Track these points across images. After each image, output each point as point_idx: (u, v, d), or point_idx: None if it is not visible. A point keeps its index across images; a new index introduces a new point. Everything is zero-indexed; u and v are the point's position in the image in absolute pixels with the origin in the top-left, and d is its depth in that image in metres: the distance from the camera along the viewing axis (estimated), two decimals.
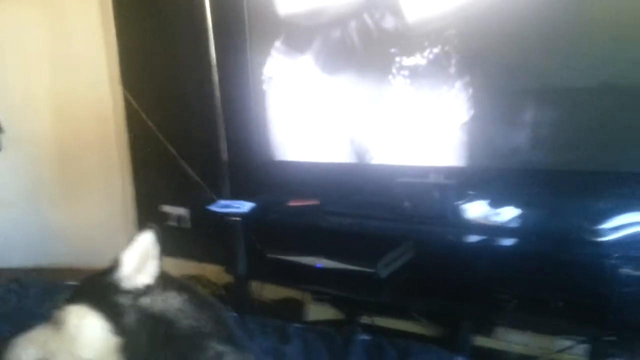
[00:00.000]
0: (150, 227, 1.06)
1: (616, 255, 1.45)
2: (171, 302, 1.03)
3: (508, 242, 1.61)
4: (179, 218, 3.00)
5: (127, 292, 1.01)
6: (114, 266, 1.03)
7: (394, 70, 1.86)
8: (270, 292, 2.54)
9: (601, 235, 1.45)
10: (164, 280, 1.05)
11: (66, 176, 3.18)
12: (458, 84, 1.76)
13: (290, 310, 2.45)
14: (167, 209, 3.03)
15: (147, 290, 1.02)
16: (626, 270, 1.62)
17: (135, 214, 3.19)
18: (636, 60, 1.52)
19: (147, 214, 3.15)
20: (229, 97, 2.53)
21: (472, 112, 1.76)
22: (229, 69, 2.48)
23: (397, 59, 1.85)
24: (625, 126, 1.54)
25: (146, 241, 1.05)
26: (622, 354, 1.82)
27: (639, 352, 1.75)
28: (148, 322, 1.00)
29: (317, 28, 1.99)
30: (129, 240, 2.88)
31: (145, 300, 1.02)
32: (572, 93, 1.59)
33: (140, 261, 1.03)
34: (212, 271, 2.86)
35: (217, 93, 2.55)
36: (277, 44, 2.12)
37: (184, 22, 2.70)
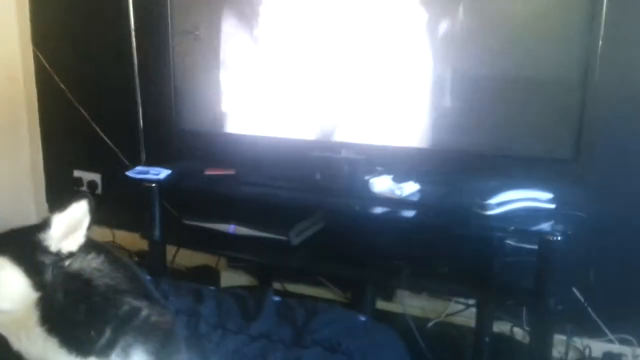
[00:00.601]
0: (85, 197, 1.06)
1: (500, 227, 1.64)
2: (89, 263, 1.06)
3: (408, 214, 1.76)
4: (91, 184, 2.96)
5: (50, 253, 1.03)
6: (42, 225, 1.03)
7: (313, 43, 1.94)
8: (185, 259, 2.59)
9: (488, 210, 1.62)
10: (84, 243, 1.07)
11: None
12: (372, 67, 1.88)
13: (205, 277, 2.52)
14: (79, 174, 2.98)
15: (69, 256, 1.04)
16: (508, 241, 1.84)
17: (44, 179, 3.11)
18: (530, 54, 1.70)
19: (57, 179, 3.08)
20: (146, 62, 2.51)
21: (383, 94, 1.88)
22: (148, 32, 2.45)
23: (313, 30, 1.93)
24: (513, 115, 1.72)
25: (79, 209, 1.04)
26: (505, 316, 2.06)
27: (520, 315, 1.99)
28: (66, 280, 1.03)
29: None
30: (37, 206, 2.83)
31: (65, 262, 1.04)
32: (471, 81, 1.75)
33: (68, 228, 1.04)
34: (124, 238, 2.85)
35: (135, 57, 2.53)
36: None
37: None
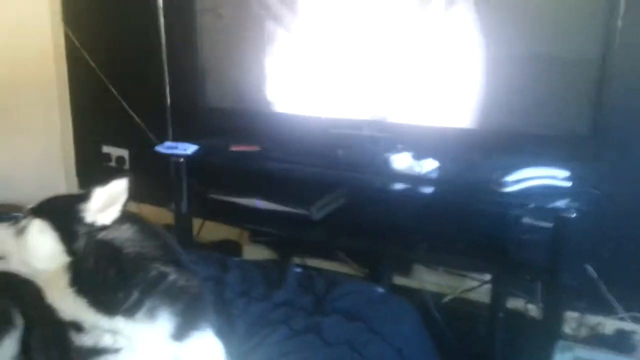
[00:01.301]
0: (126, 175, 1.14)
1: (516, 203, 1.69)
2: (121, 233, 1.13)
3: (427, 190, 1.81)
4: (119, 159, 3.06)
5: (85, 224, 1.10)
6: (83, 197, 1.11)
7: (338, 21, 1.98)
8: (209, 233, 2.67)
9: (505, 187, 1.66)
10: (120, 216, 1.13)
11: (1, 112, 3.13)
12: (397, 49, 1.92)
13: (228, 251, 2.60)
14: (108, 149, 3.07)
15: (103, 228, 1.11)
16: (524, 218, 1.88)
17: (74, 154, 3.21)
18: (549, 33, 1.72)
19: (86, 154, 3.18)
20: (174, 40, 2.57)
21: (405, 73, 1.92)
22: (175, 10, 2.51)
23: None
24: (532, 93, 1.75)
25: (119, 186, 1.12)
26: (519, 293, 2.11)
27: (534, 292, 2.03)
28: (97, 248, 1.10)
29: None
30: (68, 179, 2.92)
31: (98, 233, 1.11)
32: (491, 61, 1.78)
33: (106, 202, 1.11)
34: (151, 211, 2.93)
35: (163, 36, 2.59)
36: None
37: None
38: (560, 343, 1.26)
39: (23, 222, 1.12)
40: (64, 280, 1.09)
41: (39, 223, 1.10)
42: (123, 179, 1.12)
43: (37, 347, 1.26)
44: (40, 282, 1.13)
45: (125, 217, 1.15)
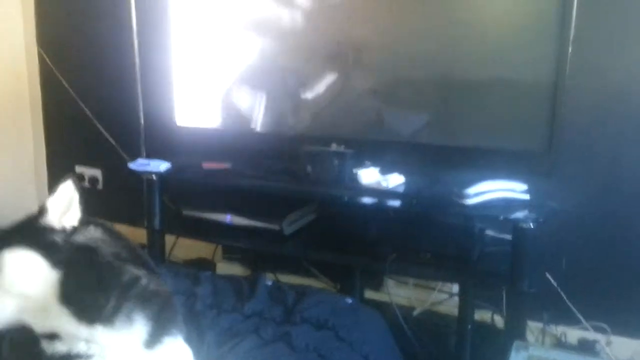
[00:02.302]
0: (69, 176, 1.13)
1: (477, 215, 1.76)
2: (92, 234, 1.12)
3: (394, 203, 1.87)
4: (92, 179, 3.07)
5: (57, 231, 1.09)
6: (40, 212, 1.10)
7: (305, 42, 2.06)
8: (182, 252, 2.69)
9: (467, 199, 1.73)
10: (82, 219, 1.13)
11: None
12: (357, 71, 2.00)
13: (202, 268, 2.60)
14: (81, 169, 3.08)
15: (74, 230, 1.11)
16: (487, 230, 1.95)
17: (47, 174, 3.21)
18: (505, 56, 1.82)
19: (59, 175, 3.15)
20: (147, 61, 2.62)
21: (370, 92, 2.00)
22: (150, 32, 2.56)
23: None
24: (491, 112, 1.84)
25: (67, 188, 1.13)
26: (486, 305, 2.17)
27: (500, 304, 2.09)
28: (78, 252, 1.09)
29: None
30: (40, 200, 2.92)
31: (72, 236, 1.11)
32: (452, 81, 1.88)
33: (64, 207, 1.11)
34: (124, 230, 2.90)
35: (137, 56, 2.64)
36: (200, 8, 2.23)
37: None
38: (516, 343, 1.32)
39: None
40: (54, 297, 1.06)
41: (14, 253, 1.06)
42: (67, 180, 1.13)
43: (7, 358, 1.27)
44: (29, 310, 1.08)
45: (86, 220, 1.14)
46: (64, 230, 1.11)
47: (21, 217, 1.14)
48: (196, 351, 1.25)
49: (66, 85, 2.95)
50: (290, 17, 2.07)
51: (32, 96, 3.12)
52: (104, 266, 1.11)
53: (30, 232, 1.09)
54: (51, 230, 1.10)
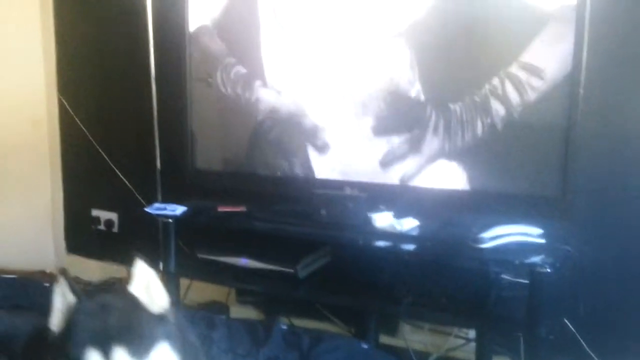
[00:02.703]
0: (137, 256, 1.14)
1: (492, 259, 1.76)
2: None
3: (408, 247, 1.87)
4: (108, 222, 3.10)
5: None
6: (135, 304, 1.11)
7: (316, 87, 2.11)
8: (196, 295, 2.69)
9: (482, 243, 1.73)
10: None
11: None
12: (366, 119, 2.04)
13: (216, 312, 2.61)
14: (97, 213, 3.12)
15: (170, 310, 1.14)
16: (503, 274, 1.94)
17: (63, 217, 3.25)
18: (518, 101, 1.85)
19: (75, 218, 3.22)
20: (165, 106, 2.69)
21: (384, 137, 2.03)
22: (167, 79, 2.64)
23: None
24: (505, 156, 1.86)
25: (142, 269, 1.14)
26: (503, 350, 2.14)
27: (517, 349, 2.06)
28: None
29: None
30: (56, 243, 2.92)
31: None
32: (466, 126, 1.90)
33: (146, 289, 1.13)
34: None
35: (155, 103, 2.71)
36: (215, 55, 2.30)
37: (125, 29, 2.83)
38: None
39: None
40: None
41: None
42: (138, 260, 1.13)
43: None
44: None
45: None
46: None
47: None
48: None
49: (85, 130, 3.02)
50: (305, 62, 2.13)
51: (51, 141, 3.19)
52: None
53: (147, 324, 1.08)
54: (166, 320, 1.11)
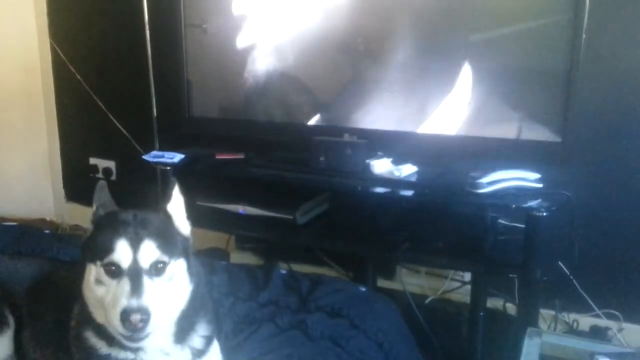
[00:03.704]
0: (174, 181, 1.22)
1: (490, 203, 1.77)
2: None
3: (406, 193, 1.88)
4: (106, 170, 3.10)
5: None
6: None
7: (318, 34, 2.06)
8: (196, 242, 2.70)
9: (480, 188, 1.74)
10: None
11: None
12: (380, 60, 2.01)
13: (216, 258, 2.64)
14: (95, 161, 3.12)
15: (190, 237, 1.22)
16: (500, 219, 1.96)
17: (61, 166, 3.25)
18: (519, 46, 1.82)
19: (73, 166, 3.22)
20: (160, 54, 2.64)
21: (383, 83, 2.01)
22: (161, 25, 2.58)
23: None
24: (505, 101, 1.85)
25: (177, 194, 1.21)
26: (498, 293, 2.18)
27: (512, 291, 2.10)
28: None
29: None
30: (55, 191, 2.93)
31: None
32: (465, 71, 1.88)
33: (177, 213, 1.21)
34: None
35: (149, 50, 2.66)
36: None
37: None
38: (529, 330, 1.33)
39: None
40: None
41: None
42: (174, 184, 1.22)
43: (30, 345, 1.31)
44: None
45: None
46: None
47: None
48: (216, 338, 1.28)
49: (79, 78, 2.98)
50: (302, 10, 2.08)
51: (46, 89, 3.15)
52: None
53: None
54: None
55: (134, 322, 1.01)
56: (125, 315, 1.02)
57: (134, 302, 1.03)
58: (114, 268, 1.07)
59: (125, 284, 1.05)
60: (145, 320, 1.02)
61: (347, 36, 2.02)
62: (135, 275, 1.06)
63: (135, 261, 1.07)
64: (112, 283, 1.07)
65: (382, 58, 1.99)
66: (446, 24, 1.91)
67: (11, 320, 1.32)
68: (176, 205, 1.21)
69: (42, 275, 1.43)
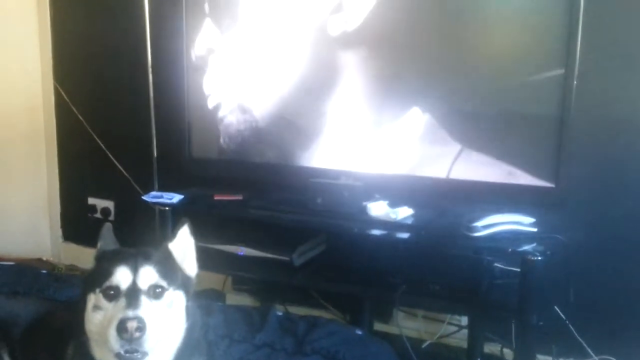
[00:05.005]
0: (185, 221, 1.25)
1: (485, 247, 1.78)
2: None
3: (403, 235, 1.89)
4: (104, 210, 3.11)
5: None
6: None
7: (315, 78, 2.11)
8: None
9: (475, 232, 1.76)
10: None
11: None
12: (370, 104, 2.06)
13: (212, 299, 2.63)
14: (93, 201, 3.13)
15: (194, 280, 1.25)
16: (496, 262, 1.97)
17: (60, 205, 3.26)
18: (512, 91, 1.87)
19: (72, 206, 3.23)
20: (161, 95, 2.69)
21: (379, 127, 2.05)
22: (164, 68, 2.64)
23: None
24: (499, 146, 1.88)
25: (185, 234, 1.25)
26: (495, 338, 2.17)
27: (509, 337, 2.10)
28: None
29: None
30: (52, 231, 2.93)
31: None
32: (460, 117, 1.92)
33: (182, 252, 1.24)
34: None
35: (151, 91, 2.71)
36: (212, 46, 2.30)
37: (121, 17, 2.82)
38: None
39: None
40: None
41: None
42: (184, 225, 1.26)
43: None
44: None
45: None
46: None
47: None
48: None
49: (81, 119, 3.03)
50: (299, 54, 2.14)
51: (47, 130, 3.19)
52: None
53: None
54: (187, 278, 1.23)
55: (130, 330, 1.02)
56: (121, 325, 1.03)
57: (130, 313, 1.05)
58: (112, 292, 1.10)
59: (122, 302, 1.08)
60: (141, 329, 1.03)
61: (343, 79, 2.07)
62: (133, 294, 1.08)
63: (134, 283, 1.10)
64: (109, 306, 1.09)
65: (379, 102, 2.03)
66: (439, 69, 1.96)
67: None
68: (183, 246, 1.25)
69: (38, 316, 1.43)
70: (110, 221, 3.02)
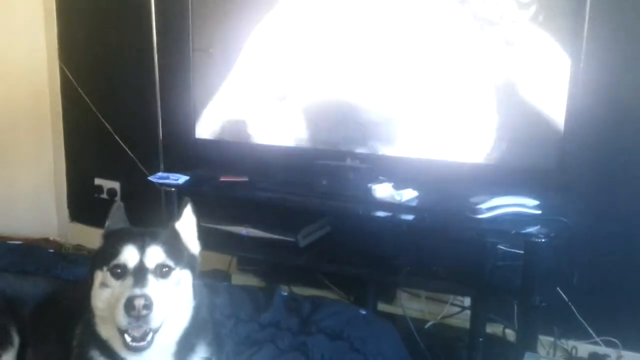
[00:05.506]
0: (187, 201, 1.28)
1: (489, 229, 1.79)
2: None
3: (407, 217, 1.89)
4: (110, 191, 3.13)
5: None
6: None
7: (321, 59, 2.11)
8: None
9: (479, 214, 1.76)
10: None
11: None
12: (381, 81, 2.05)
13: (217, 279, 2.65)
14: (100, 182, 3.15)
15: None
16: (499, 244, 1.98)
17: (66, 186, 3.28)
18: (519, 73, 1.86)
19: (78, 187, 3.26)
20: (167, 77, 2.69)
21: (386, 109, 2.05)
22: (169, 49, 2.64)
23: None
24: (504, 128, 1.88)
25: (189, 213, 1.27)
26: (497, 318, 2.19)
27: (511, 317, 2.11)
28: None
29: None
30: (59, 212, 2.94)
31: None
32: (467, 97, 1.92)
33: (187, 231, 1.26)
34: None
35: (157, 73, 2.71)
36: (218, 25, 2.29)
37: None
38: (527, 355, 1.34)
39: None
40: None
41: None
42: (188, 204, 1.28)
43: None
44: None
45: None
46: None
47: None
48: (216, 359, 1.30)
49: (87, 100, 3.03)
50: (305, 34, 2.13)
51: (53, 111, 3.20)
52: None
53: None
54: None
55: (137, 307, 1.04)
56: (128, 302, 1.05)
57: (137, 291, 1.06)
58: (119, 270, 1.12)
59: (130, 280, 1.09)
60: (148, 307, 1.05)
61: (350, 63, 2.07)
62: (140, 273, 1.10)
63: (141, 262, 1.12)
64: (117, 284, 1.11)
65: (386, 84, 2.03)
66: (448, 57, 1.95)
67: (16, 340, 1.34)
68: (187, 225, 1.27)
69: (46, 295, 1.45)
70: (116, 202, 3.06)
